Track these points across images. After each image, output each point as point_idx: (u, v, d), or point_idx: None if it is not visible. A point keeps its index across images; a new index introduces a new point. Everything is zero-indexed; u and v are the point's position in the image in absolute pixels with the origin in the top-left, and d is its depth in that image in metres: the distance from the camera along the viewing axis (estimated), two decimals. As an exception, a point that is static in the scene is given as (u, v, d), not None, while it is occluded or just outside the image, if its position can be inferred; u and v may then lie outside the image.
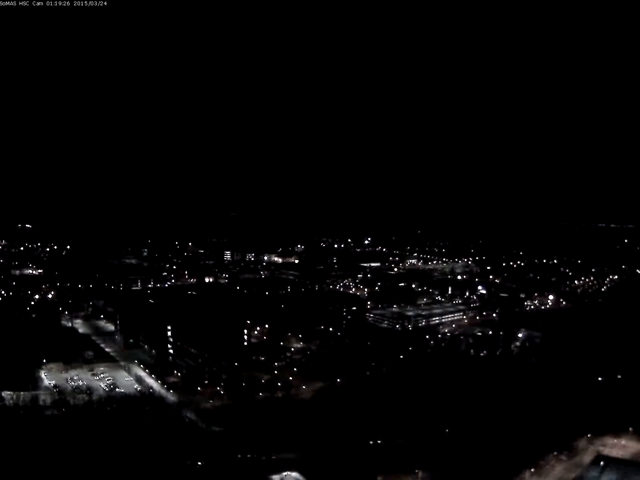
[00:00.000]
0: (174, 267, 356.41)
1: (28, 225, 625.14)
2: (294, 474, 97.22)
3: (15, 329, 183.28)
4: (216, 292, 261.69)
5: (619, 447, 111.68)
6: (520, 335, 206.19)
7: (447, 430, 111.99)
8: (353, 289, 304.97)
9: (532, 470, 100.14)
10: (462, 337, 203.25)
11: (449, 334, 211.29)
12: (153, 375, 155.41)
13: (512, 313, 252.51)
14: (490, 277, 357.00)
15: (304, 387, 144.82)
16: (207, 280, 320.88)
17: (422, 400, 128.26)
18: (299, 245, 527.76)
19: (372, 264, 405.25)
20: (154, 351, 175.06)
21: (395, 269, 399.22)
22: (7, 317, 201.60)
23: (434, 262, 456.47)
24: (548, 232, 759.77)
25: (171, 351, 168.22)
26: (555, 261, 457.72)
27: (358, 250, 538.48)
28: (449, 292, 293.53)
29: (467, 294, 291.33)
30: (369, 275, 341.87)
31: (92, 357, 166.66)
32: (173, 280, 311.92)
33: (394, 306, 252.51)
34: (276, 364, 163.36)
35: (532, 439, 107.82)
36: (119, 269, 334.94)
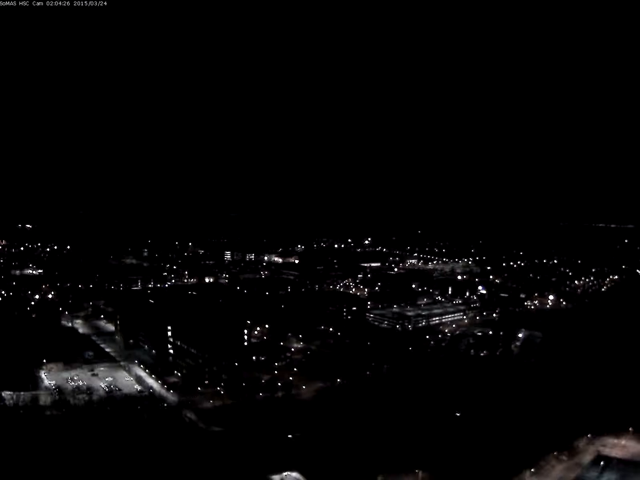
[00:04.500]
0: (174, 267, 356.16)
1: (28, 225, 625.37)
2: (294, 474, 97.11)
3: (15, 329, 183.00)
4: (216, 292, 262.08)
5: (619, 447, 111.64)
6: (520, 335, 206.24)
7: (447, 430, 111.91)
8: (353, 289, 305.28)
9: (532, 470, 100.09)
10: (462, 337, 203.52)
11: (449, 334, 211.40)
12: (153, 376, 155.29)
13: (512, 313, 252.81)
14: (491, 277, 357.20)
15: (304, 387, 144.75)
16: (207, 280, 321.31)
17: (422, 400, 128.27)
18: (299, 246, 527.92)
19: (372, 264, 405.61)
20: (154, 351, 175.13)
21: (396, 269, 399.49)
22: (7, 317, 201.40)
23: (434, 262, 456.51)
24: (548, 232, 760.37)
25: (171, 351, 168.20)
26: (555, 261, 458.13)
27: (358, 250, 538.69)
28: (449, 292, 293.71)
29: (467, 294, 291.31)
30: (369, 275, 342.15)
31: (92, 357, 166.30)
32: (173, 280, 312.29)
33: (394, 306, 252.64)
34: (276, 364, 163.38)
35: (532, 439, 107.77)
36: (119, 269, 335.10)
